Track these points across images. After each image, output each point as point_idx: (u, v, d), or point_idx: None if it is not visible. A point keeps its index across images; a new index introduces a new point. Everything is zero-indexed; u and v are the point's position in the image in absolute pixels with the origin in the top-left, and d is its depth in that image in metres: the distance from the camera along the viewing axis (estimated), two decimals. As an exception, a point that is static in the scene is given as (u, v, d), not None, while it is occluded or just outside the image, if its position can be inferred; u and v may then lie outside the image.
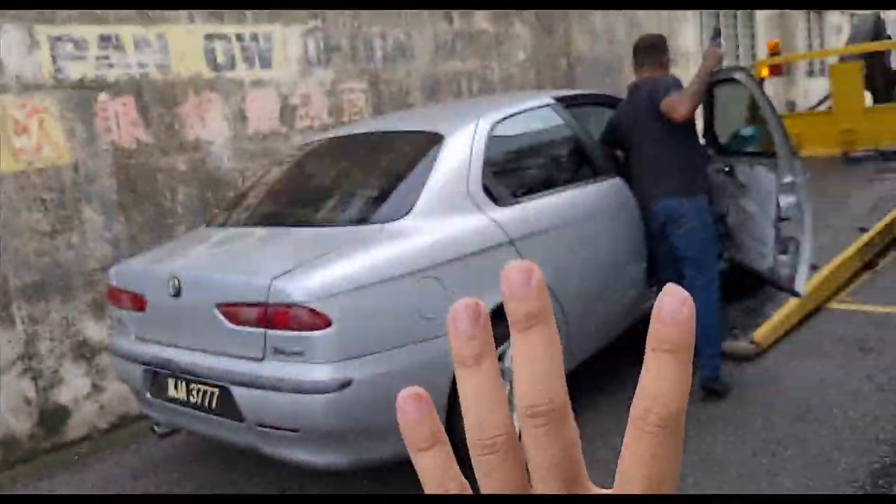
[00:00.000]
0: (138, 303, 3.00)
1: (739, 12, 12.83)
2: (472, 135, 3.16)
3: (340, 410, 2.50)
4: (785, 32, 14.46)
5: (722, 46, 3.44)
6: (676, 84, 3.46)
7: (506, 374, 2.87)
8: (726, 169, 3.91)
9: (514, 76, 7.68)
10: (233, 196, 3.81)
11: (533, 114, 3.58)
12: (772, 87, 10.70)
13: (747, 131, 4.39)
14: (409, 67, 6.45)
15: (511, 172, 3.39)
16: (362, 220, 2.91)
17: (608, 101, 4.22)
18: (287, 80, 5.43)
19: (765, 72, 8.63)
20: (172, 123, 4.74)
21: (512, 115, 3.42)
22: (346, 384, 2.47)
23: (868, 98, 9.49)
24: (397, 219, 2.83)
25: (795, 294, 3.56)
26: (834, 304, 4.43)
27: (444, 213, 2.90)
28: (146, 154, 4.62)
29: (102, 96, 4.40)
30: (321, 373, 2.47)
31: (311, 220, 3.14)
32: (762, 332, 3.85)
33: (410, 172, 3.07)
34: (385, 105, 6.28)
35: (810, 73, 15.89)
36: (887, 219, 5.42)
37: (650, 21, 10.25)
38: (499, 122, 3.31)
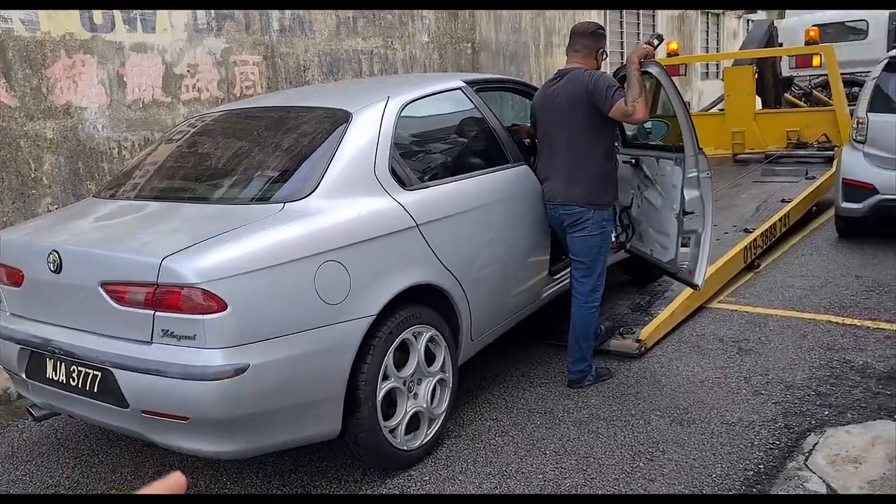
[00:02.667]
0: (14, 277, 2.83)
1: (641, 13, 13.45)
2: (380, 114, 3.18)
3: (235, 398, 2.47)
4: (684, 35, 15.29)
5: (655, 46, 3.59)
6: (614, 85, 3.46)
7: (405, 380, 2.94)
8: (632, 161, 4.12)
9: (417, 58, 7.73)
10: (127, 167, 3.65)
11: (443, 96, 3.64)
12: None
13: (654, 125, 4.63)
14: (307, 42, 6.37)
15: (419, 155, 3.44)
16: (263, 199, 2.87)
17: (521, 88, 4.35)
18: (172, 47, 5.24)
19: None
20: (39, 86, 4.48)
21: (422, 97, 3.47)
22: (241, 370, 2.45)
23: (758, 102, 10.18)
24: (300, 199, 2.81)
25: (694, 286, 3.80)
26: (716, 304, 4.75)
27: (349, 195, 2.91)
28: (7, 118, 4.34)
29: (-43, 50, 4.10)
30: (215, 358, 2.43)
31: (209, 196, 3.07)
32: (647, 331, 4.06)
33: (315, 151, 3.05)
34: (281, 81, 6.17)
35: (706, 76, 16.89)
36: (770, 221, 5.86)
37: (554, 11, 10.58)
38: (409, 102, 3.34)
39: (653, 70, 3.62)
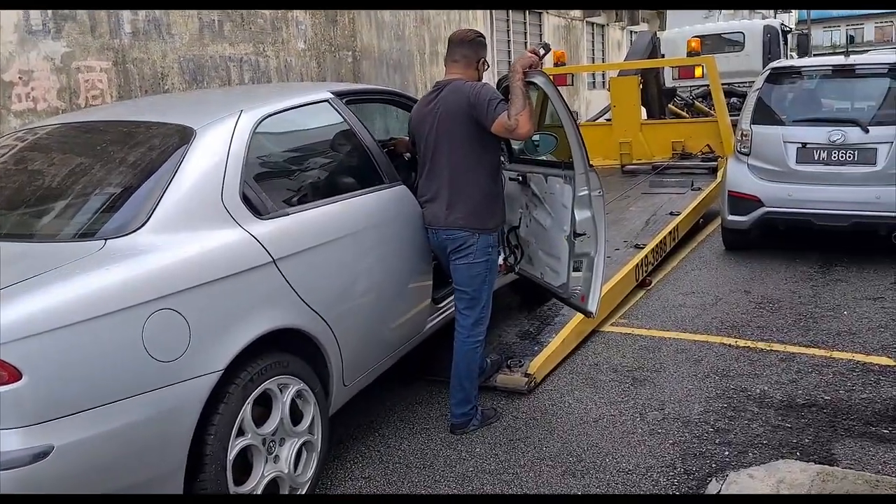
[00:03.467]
0: None
1: (529, 23, 13.49)
2: (230, 132, 2.76)
3: (36, 488, 2.00)
4: (570, 44, 15.48)
5: (541, 56, 3.31)
6: (496, 98, 3.19)
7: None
8: (520, 178, 3.86)
9: (292, 66, 7.30)
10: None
11: (308, 110, 3.26)
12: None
13: (542, 138, 4.39)
14: (165, 47, 5.83)
15: (278, 178, 3.03)
16: (85, 235, 2.39)
17: (399, 100, 4.02)
18: (1, 52, 4.61)
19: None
20: None
21: (283, 111, 3.07)
22: (42, 454, 1.98)
23: (644, 113, 10.32)
24: (127, 233, 2.36)
25: (588, 314, 3.57)
26: (609, 327, 4.57)
27: (188, 228, 2.47)
28: None
29: None
30: (7, 442, 1.96)
31: (20, 231, 2.56)
32: (537, 363, 3.80)
33: (150, 175, 2.60)
34: (135, 89, 5.61)
35: (592, 85, 17.20)
36: (660, 236, 5.79)
37: (439, 17, 10.37)
38: (266, 117, 2.94)
39: (538, 80, 3.36)
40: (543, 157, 3.90)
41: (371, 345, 3.22)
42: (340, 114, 3.34)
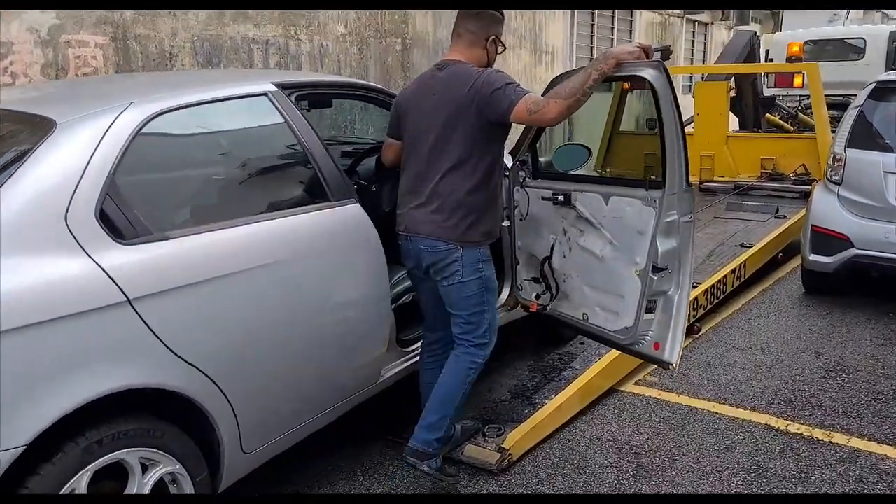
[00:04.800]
0: None
1: (618, 16, 12.55)
2: (102, 130, 2.20)
3: None
4: (665, 43, 14.40)
5: (650, 55, 2.66)
6: (511, 81, 2.67)
7: None
8: (558, 198, 3.19)
9: (328, 52, 6.77)
10: None
11: (234, 105, 2.67)
12: (635, 102, 10.39)
13: (573, 150, 3.76)
14: (176, 24, 5.39)
15: (167, 192, 2.44)
16: None
17: (375, 97, 3.39)
18: (-27, 20, 4.26)
19: (626, 83, 8.18)
20: None
21: (192, 105, 2.49)
22: None
23: (735, 123, 9.33)
24: (-85, 259, 1.84)
25: (665, 365, 2.88)
26: (630, 387, 3.80)
27: (12, 253, 1.92)
28: None
29: None
30: None
31: None
32: (516, 436, 3.10)
33: (-24, 181, 2.08)
34: (136, 70, 5.19)
35: (689, 89, 16.01)
36: (719, 274, 4.93)
37: (510, 9, 9.66)
38: (162, 113, 2.36)
39: (648, 74, 2.66)
40: (600, 173, 3.25)
41: (286, 403, 2.61)
42: (281, 112, 2.73)
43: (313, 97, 3.09)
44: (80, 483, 1.99)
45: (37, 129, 2.19)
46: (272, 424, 2.58)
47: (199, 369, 2.24)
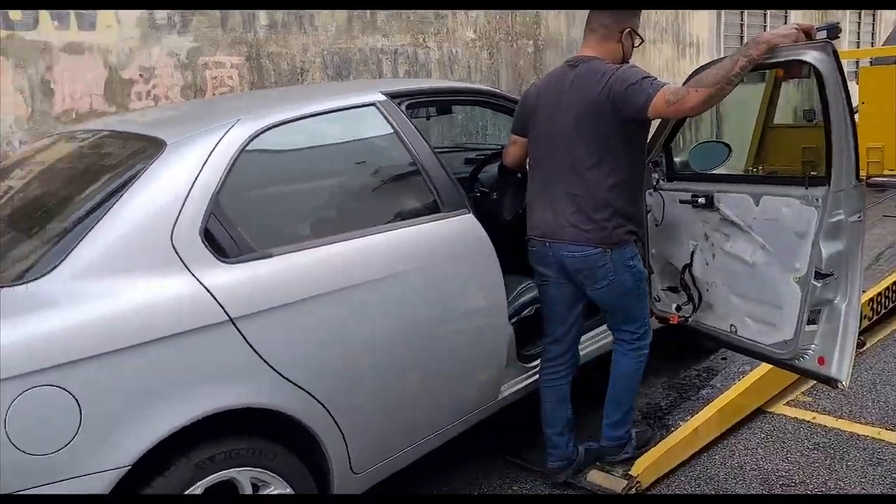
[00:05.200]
0: None
1: (770, 15, 11.74)
2: (209, 149, 2.22)
3: None
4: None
5: (813, 35, 2.40)
6: (647, 75, 2.51)
7: None
8: (698, 200, 2.98)
9: (458, 58, 6.73)
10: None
11: (340, 116, 2.64)
12: (793, 92, 9.65)
13: (712, 148, 3.51)
14: (306, 40, 5.52)
15: (273, 208, 2.43)
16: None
17: (492, 102, 3.29)
18: (119, 47, 4.51)
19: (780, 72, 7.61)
20: (-69, 95, 3.86)
21: (297, 119, 2.47)
22: None
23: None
24: (34, 278, 1.91)
25: (832, 383, 2.62)
26: (781, 408, 3.43)
27: (116, 273, 1.97)
28: None
29: None
30: None
31: None
32: (647, 461, 2.87)
33: (87, 202, 2.15)
34: (269, 86, 5.35)
35: (854, 75, 14.75)
36: (888, 280, 4.41)
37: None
38: (268, 129, 2.36)
39: (812, 58, 2.36)
40: (751, 171, 3.04)
41: (397, 423, 2.54)
42: (390, 121, 2.67)
43: (426, 105, 3.04)
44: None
45: (149, 150, 2.24)
46: (383, 444, 2.52)
47: (304, 389, 2.21)
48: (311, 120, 2.52)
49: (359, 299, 2.34)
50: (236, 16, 5.08)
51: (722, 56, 3.08)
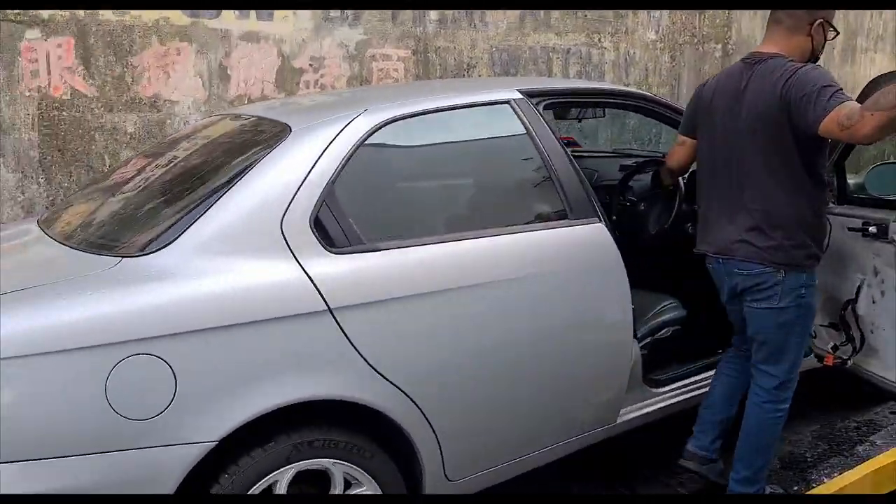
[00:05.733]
0: None
1: None
2: (331, 137, 2.26)
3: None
4: None
5: None
6: (831, 85, 2.25)
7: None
8: (867, 228, 2.70)
9: (635, 60, 6.48)
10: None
11: (473, 113, 2.59)
12: None
13: (893, 170, 3.17)
14: (475, 36, 5.53)
15: (388, 201, 2.42)
16: (105, 247, 2.13)
17: (644, 106, 3.11)
18: (293, 37, 4.75)
19: None
20: (123, 75, 4.24)
21: (426, 112, 2.46)
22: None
23: None
24: (148, 252, 2.03)
25: None
26: None
27: (226, 253, 2.04)
28: (83, 108, 4.16)
29: (32, 33, 3.98)
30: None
31: (73, 233, 2.32)
32: None
33: (206, 183, 2.25)
34: (421, 80, 5.43)
35: None
36: None
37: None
38: (393, 120, 2.37)
39: None
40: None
41: (498, 435, 2.46)
42: (523, 120, 2.59)
43: (568, 105, 2.92)
44: (283, 476, 2.06)
45: (276, 135, 2.31)
46: (482, 455, 2.45)
47: (399, 388, 2.18)
48: (439, 114, 2.49)
49: (465, 303, 2.29)
50: (407, 10, 5.18)
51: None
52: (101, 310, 1.87)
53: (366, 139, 2.29)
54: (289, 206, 2.13)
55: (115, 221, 2.34)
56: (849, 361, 2.84)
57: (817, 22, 2.42)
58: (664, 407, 2.87)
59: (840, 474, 2.80)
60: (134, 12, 4.22)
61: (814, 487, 2.74)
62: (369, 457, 2.18)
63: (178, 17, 4.36)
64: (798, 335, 2.51)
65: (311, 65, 4.86)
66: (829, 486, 2.71)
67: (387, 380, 2.16)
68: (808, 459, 3.05)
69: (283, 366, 2.03)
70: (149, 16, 4.27)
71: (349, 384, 2.12)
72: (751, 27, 7.26)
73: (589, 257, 2.54)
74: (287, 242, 2.10)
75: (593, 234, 2.56)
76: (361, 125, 2.31)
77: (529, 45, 5.82)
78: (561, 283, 2.47)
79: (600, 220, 2.59)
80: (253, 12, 4.59)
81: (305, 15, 4.78)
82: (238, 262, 2.04)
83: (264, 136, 2.37)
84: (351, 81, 5.01)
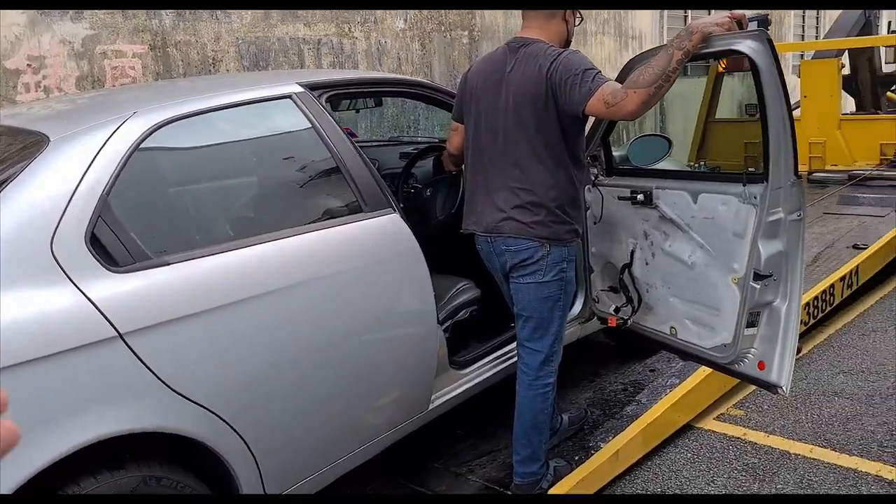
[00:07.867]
0: None
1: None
2: (98, 145, 2.12)
3: None
4: (773, 18, 13.72)
5: (744, 24, 2.38)
6: (591, 68, 2.48)
7: None
8: (636, 196, 2.99)
9: (387, 49, 6.68)
10: None
11: (250, 110, 2.55)
12: (734, 86, 9.91)
13: (653, 142, 3.56)
14: (218, 28, 5.38)
15: (170, 211, 2.33)
16: None
17: (423, 94, 3.24)
18: (2, 34, 4.32)
19: (721, 65, 7.79)
20: None
21: (201, 113, 2.39)
22: None
23: (849, 105, 8.77)
24: None
25: (773, 388, 2.66)
26: (710, 423, 3.45)
27: (-9, 285, 1.85)
28: None
29: None
30: None
31: None
32: (562, 489, 2.82)
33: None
34: (178, 77, 5.21)
35: (797, 69, 15.21)
36: (825, 283, 4.52)
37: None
38: (166, 123, 2.27)
39: (747, 47, 2.37)
40: (693, 167, 3.04)
41: (314, 440, 2.47)
42: (307, 115, 2.60)
43: (350, 97, 2.96)
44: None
45: (30, 146, 2.12)
46: (299, 464, 2.44)
47: (208, 409, 2.12)
48: (219, 114, 2.43)
49: (266, 309, 2.27)
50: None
51: (656, 46, 3.09)
52: None
53: (140, 144, 2.18)
54: (58, 224, 1.98)
55: None
56: (629, 321, 3.19)
57: (568, 11, 2.71)
58: (471, 387, 3.04)
59: (614, 437, 3.13)
60: None
61: (593, 454, 3.04)
62: (183, 488, 2.10)
63: None
64: (560, 308, 2.75)
65: (29, 65, 4.45)
66: (606, 451, 3.02)
67: (193, 402, 2.09)
68: (585, 427, 3.37)
69: (82, 401, 1.89)
70: None
71: (152, 414, 2.02)
72: (493, 15, 7.78)
73: (388, 249, 2.62)
74: (60, 266, 1.95)
75: (389, 225, 2.64)
76: (133, 129, 2.19)
77: (278, 36, 5.78)
78: (363, 279, 2.53)
79: (394, 211, 2.68)
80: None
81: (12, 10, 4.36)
82: (6, 295, 1.85)
83: (15, 149, 2.16)
84: (81, 82, 4.66)
